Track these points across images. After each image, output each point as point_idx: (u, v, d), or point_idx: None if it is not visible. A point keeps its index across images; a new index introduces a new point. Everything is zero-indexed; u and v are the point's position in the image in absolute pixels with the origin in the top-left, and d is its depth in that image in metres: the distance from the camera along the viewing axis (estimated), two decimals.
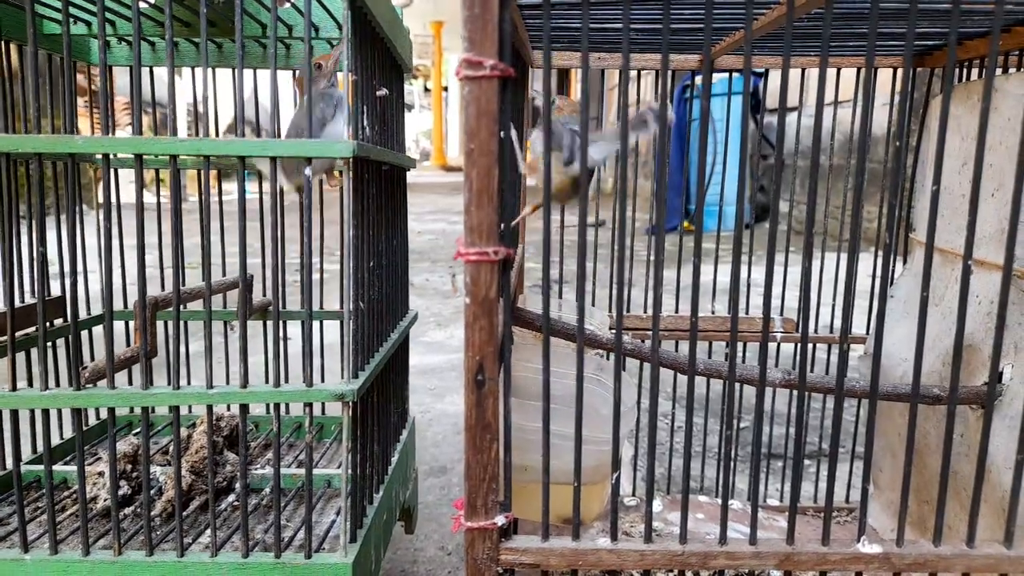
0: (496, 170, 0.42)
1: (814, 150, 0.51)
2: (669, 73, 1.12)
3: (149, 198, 1.36)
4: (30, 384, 1.03)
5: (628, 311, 1.17)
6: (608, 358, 1.01)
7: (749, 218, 1.54)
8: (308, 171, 0.73)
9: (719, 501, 1.15)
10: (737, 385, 1.23)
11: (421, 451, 1.68)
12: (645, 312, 1.20)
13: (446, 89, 17.64)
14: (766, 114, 5.48)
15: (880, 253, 1.52)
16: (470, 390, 0.46)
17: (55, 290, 1.11)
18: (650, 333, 1.05)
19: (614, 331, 0.73)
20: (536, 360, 0.86)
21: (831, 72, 1.30)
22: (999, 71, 0.90)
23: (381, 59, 0.91)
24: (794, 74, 1.27)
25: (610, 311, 1.20)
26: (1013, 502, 0.53)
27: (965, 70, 0.96)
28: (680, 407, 1.79)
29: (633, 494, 1.29)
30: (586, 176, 0.82)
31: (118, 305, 1.23)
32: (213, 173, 1.32)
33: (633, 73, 1.64)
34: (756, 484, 0.58)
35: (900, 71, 1.08)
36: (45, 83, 1.01)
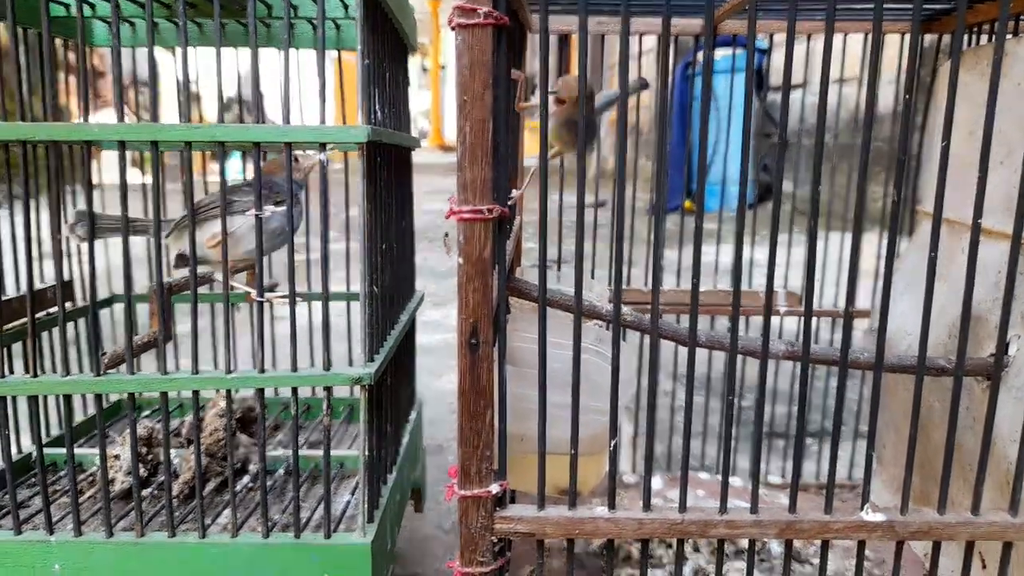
0: (491, 123, 0.40)
1: (820, 120, 0.50)
2: (671, 44, 1.09)
3: (135, 179, 1.35)
4: (42, 367, 1.02)
5: (628, 285, 1.16)
6: (608, 329, 1.00)
7: (752, 198, 1.53)
8: (323, 156, 0.72)
9: (719, 478, 1.15)
10: (739, 360, 1.22)
11: None
12: (645, 286, 1.19)
13: (444, 68, 17.48)
14: (769, 92, 5.43)
15: (884, 231, 1.50)
16: (463, 354, 0.45)
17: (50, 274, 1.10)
18: (650, 307, 1.03)
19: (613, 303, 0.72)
20: (533, 330, 0.85)
21: (836, 46, 1.27)
22: (1009, 35, 0.88)
23: (390, 40, 0.90)
24: (798, 52, 1.24)
25: (609, 285, 1.19)
26: (1019, 470, 0.52)
27: (974, 36, 0.94)
28: (680, 384, 1.78)
29: (632, 471, 1.29)
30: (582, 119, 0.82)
31: (122, 289, 1.23)
32: (210, 154, 1.31)
33: (634, 49, 1.61)
34: (758, 453, 0.57)
35: (907, 37, 1.05)
36: (37, 64, 0.99)
